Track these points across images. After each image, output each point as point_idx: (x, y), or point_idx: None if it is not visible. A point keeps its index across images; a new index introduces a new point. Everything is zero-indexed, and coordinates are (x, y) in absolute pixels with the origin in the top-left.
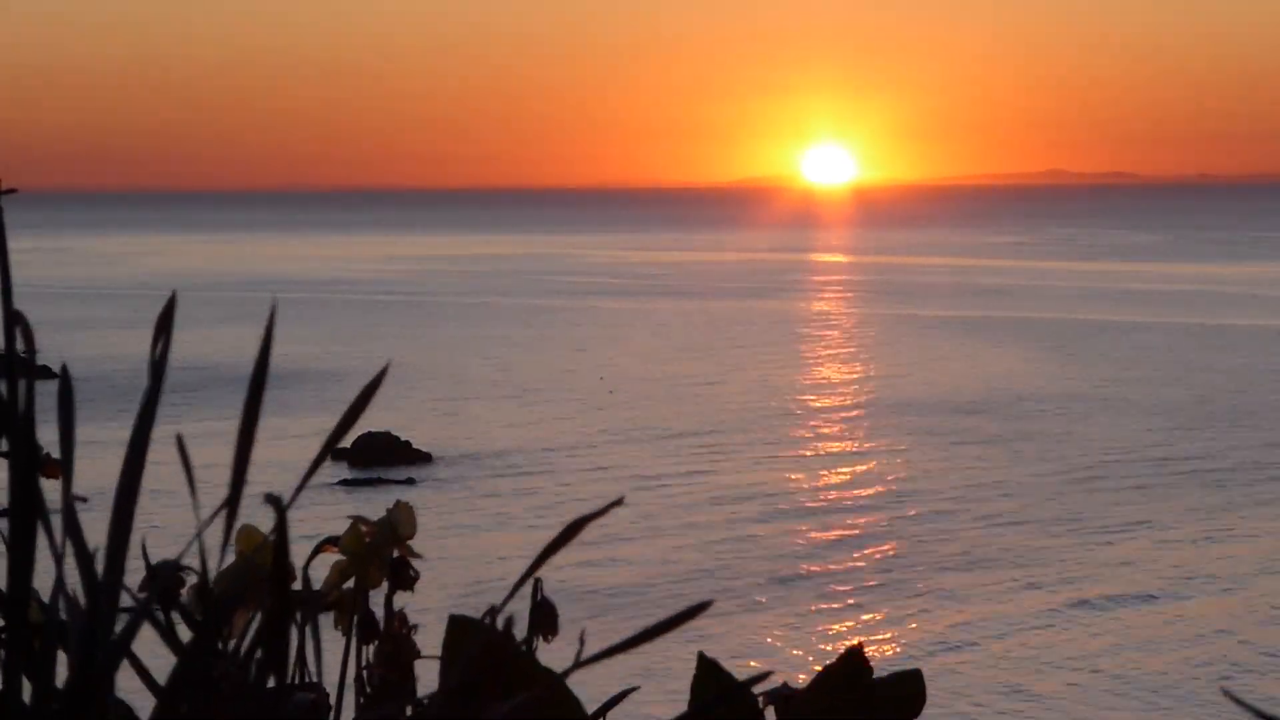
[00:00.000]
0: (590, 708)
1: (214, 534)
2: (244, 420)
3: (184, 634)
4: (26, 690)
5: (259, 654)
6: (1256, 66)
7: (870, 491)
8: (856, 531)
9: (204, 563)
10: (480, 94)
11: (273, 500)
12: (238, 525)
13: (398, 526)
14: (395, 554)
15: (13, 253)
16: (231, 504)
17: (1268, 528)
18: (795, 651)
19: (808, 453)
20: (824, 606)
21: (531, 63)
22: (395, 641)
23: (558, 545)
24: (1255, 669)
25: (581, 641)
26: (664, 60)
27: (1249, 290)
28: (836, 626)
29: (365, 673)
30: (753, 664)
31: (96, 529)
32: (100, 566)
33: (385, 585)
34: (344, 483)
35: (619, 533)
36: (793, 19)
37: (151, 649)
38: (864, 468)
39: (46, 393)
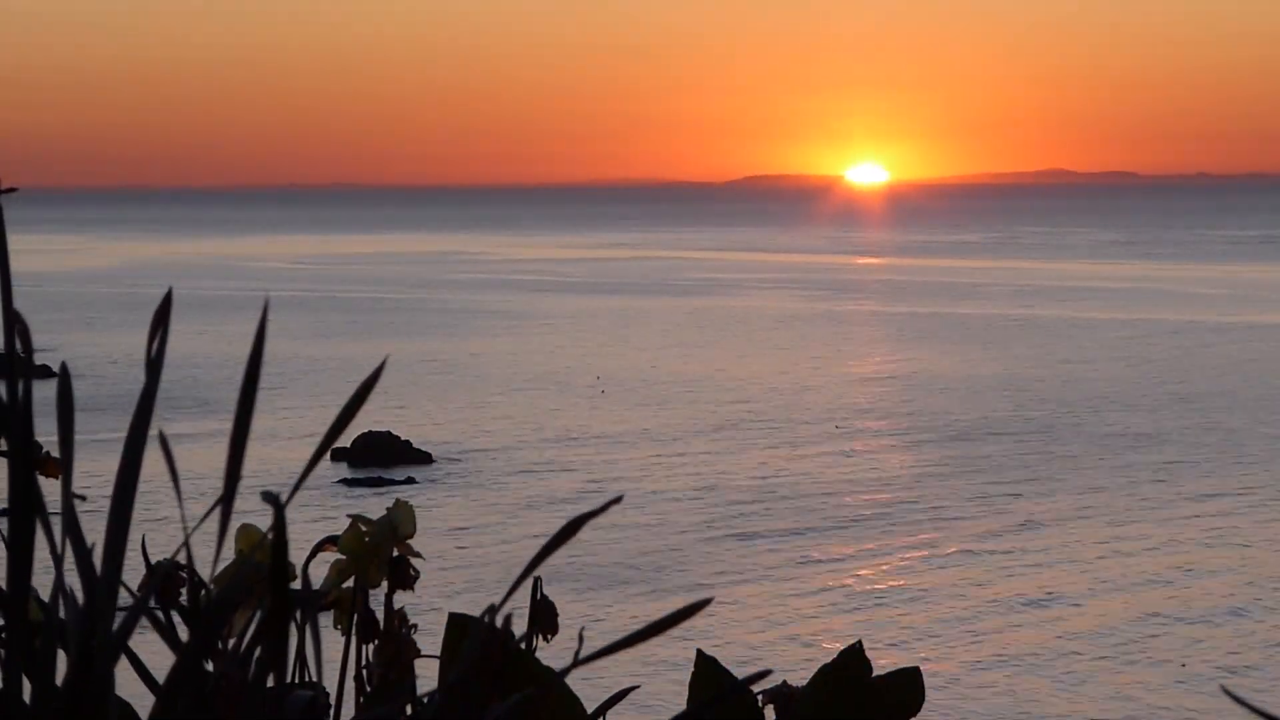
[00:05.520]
0: (590, 707)
1: (213, 532)
2: (238, 417)
3: (184, 633)
4: (26, 690)
5: (259, 653)
6: (1258, 66)
7: (863, 485)
8: (854, 526)
9: (191, 560)
10: (534, 91)
11: (270, 498)
12: (234, 523)
13: (398, 526)
14: (395, 553)
15: None
16: (226, 501)
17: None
18: (794, 649)
19: (804, 449)
20: (824, 603)
21: (561, 62)
22: (395, 640)
23: (557, 544)
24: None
25: (580, 640)
26: (677, 61)
27: (1179, 289)
28: (837, 624)
29: (365, 672)
30: (753, 660)
31: (96, 527)
32: (99, 564)
33: (385, 584)
34: (344, 482)
35: (617, 530)
36: (791, 20)
37: (152, 649)
38: (856, 462)
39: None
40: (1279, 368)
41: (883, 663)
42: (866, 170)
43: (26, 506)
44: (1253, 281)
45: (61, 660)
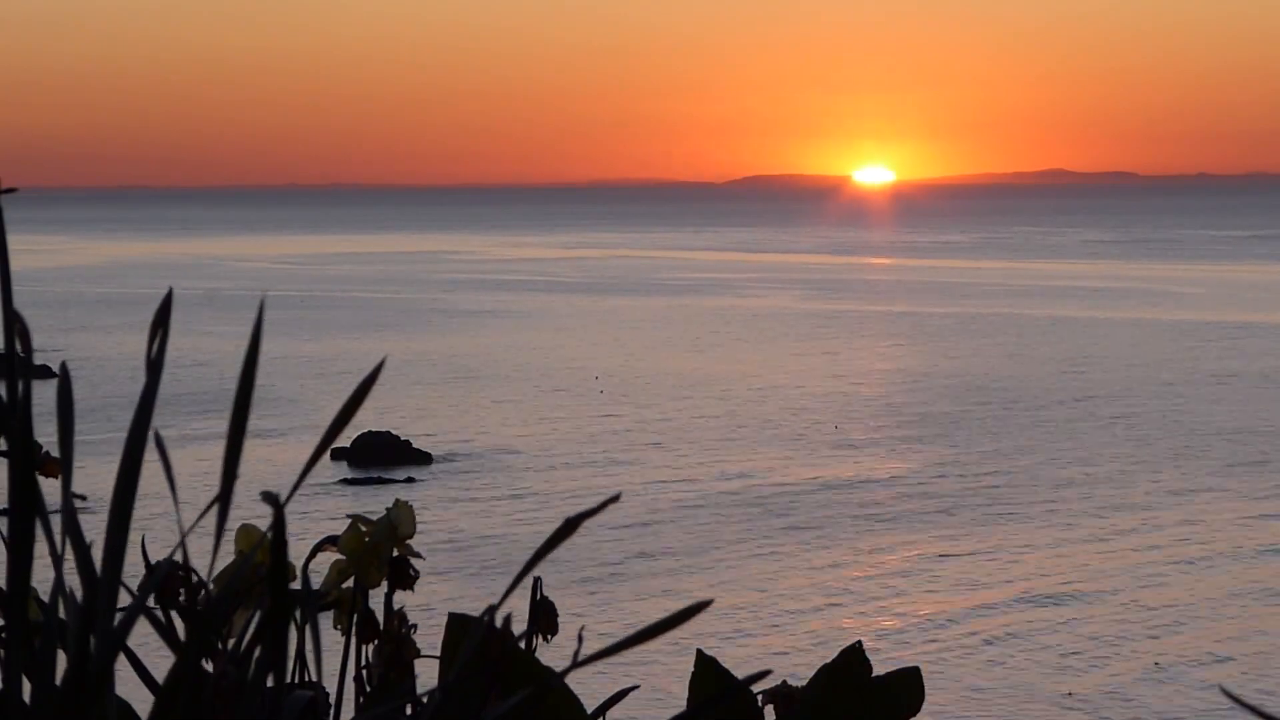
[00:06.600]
0: (590, 707)
1: (212, 532)
2: (234, 416)
3: (184, 633)
4: (26, 689)
5: (258, 653)
6: (1258, 66)
7: (862, 485)
8: (854, 526)
9: (186, 558)
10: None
11: (270, 498)
12: (233, 523)
13: (397, 525)
14: (395, 553)
15: None
16: (224, 501)
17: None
18: (795, 649)
19: (804, 448)
20: (824, 603)
21: (562, 62)
22: (395, 641)
23: (554, 543)
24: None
25: (580, 640)
26: (680, 61)
27: (1162, 288)
28: (837, 624)
29: (365, 672)
30: (753, 660)
31: (96, 527)
32: (99, 564)
33: (385, 584)
34: (344, 482)
35: (616, 530)
36: (793, 22)
37: (152, 649)
38: (855, 462)
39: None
40: (1254, 364)
41: (883, 663)
42: (873, 171)
43: (26, 506)
44: (1241, 281)
45: (61, 660)
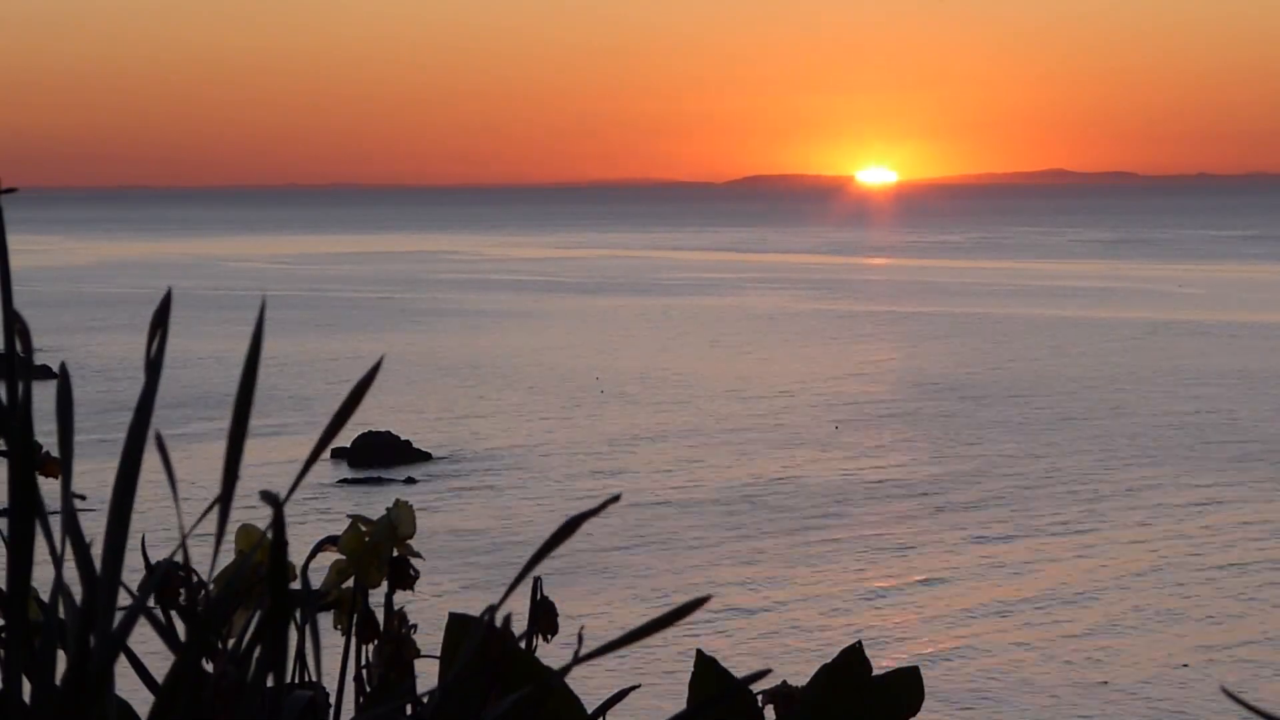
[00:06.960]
0: (590, 707)
1: (212, 532)
2: (235, 416)
3: (184, 633)
4: (26, 689)
5: (258, 653)
6: (1258, 66)
7: (861, 485)
8: (853, 526)
9: (187, 559)
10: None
11: (269, 498)
12: (233, 522)
13: (397, 525)
14: (395, 553)
15: None
16: (224, 501)
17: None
18: (795, 649)
19: (803, 448)
20: (824, 603)
21: (562, 62)
22: (395, 641)
23: (554, 543)
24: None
25: (580, 639)
26: (683, 60)
27: (1136, 286)
28: (837, 624)
29: (365, 672)
30: (753, 660)
31: (96, 527)
32: (98, 563)
33: (385, 584)
34: (344, 482)
35: (616, 530)
36: (794, 22)
37: (152, 649)
38: (854, 462)
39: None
40: (1254, 363)
41: (883, 663)
42: (876, 171)
43: (26, 506)
44: (1240, 281)
45: (61, 660)
